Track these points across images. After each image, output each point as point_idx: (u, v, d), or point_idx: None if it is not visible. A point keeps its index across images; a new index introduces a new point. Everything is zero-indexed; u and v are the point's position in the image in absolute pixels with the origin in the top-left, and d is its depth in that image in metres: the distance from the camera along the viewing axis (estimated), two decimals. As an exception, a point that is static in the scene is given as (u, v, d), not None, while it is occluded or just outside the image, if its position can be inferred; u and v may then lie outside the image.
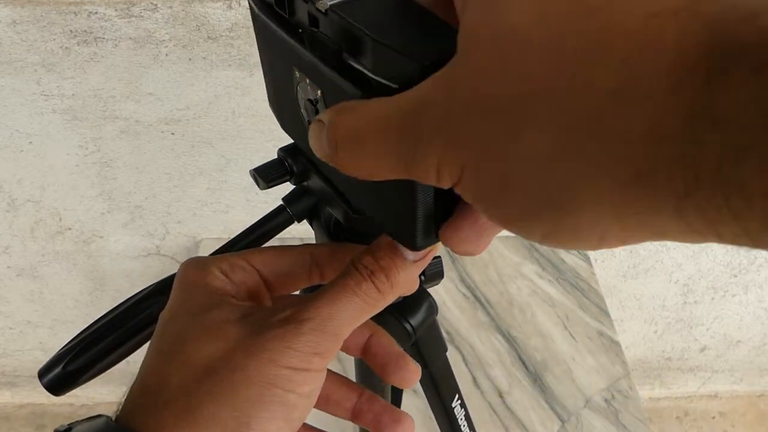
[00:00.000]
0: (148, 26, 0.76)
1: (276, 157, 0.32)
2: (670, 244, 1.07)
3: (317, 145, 0.21)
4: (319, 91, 0.24)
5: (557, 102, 0.15)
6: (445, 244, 0.23)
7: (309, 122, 0.27)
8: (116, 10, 0.74)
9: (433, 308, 0.42)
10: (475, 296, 0.95)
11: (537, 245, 1.02)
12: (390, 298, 0.26)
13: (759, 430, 1.44)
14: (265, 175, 0.32)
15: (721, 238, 0.14)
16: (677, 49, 0.13)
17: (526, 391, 0.84)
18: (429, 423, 0.79)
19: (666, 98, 0.13)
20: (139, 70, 0.80)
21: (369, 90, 0.21)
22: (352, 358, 0.49)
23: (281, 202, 0.34)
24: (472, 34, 0.17)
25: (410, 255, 0.26)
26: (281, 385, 0.23)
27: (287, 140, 0.32)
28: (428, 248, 0.26)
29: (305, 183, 0.33)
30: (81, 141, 0.88)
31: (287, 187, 0.33)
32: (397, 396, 0.52)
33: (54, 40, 0.77)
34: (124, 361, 0.32)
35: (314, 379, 0.25)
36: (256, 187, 0.33)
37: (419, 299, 0.41)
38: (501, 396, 0.83)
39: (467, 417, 0.51)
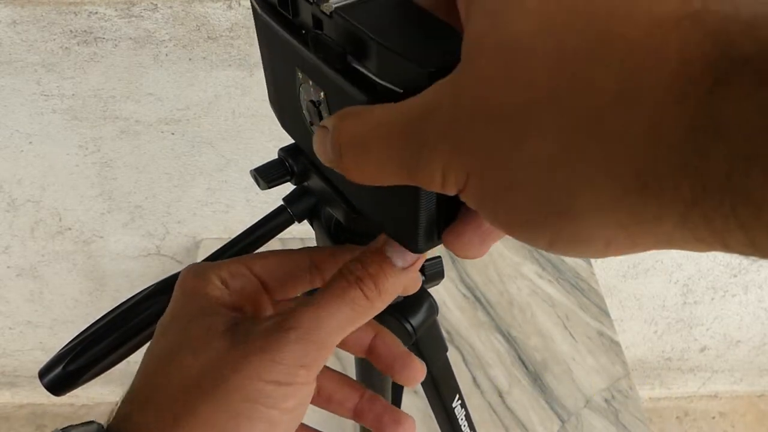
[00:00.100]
0: (148, 26, 0.76)
1: (276, 157, 0.32)
2: (670, 244, 1.07)
3: (321, 150, 0.21)
4: (322, 93, 0.24)
5: (558, 103, 0.15)
6: (447, 248, 0.23)
7: (311, 123, 0.27)
8: (116, 10, 0.74)
9: (433, 308, 0.42)
10: (475, 296, 0.95)
11: (537, 245, 1.02)
12: (379, 306, 0.25)
13: (759, 430, 1.44)
14: (266, 175, 0.32)
15: (728, 248, 0.14)
16: (680, 58, 0.13)
17: (526, 391, 0.84)
18: (429, 423, 0.79)
19: (669, 102, 0.13)
20: (139, 70, 0.80)
21: (373, 94, 0.21)
22: (353, 358, 0.49)
23: (282, 203, 0.34)
24: (476, 43, 0.17)
25: (399, 262, 0.26)
26: (264, 402, 0.23)
27: (287, 140, 0.32)
28: (418, 256, 0.26)
29: (306, 183, 0.33)
30: (81, 141, 0.88)
31: (287, 188, 0.33)
32: (397, 395, 0.52)
33: (54, 40, 0.77)
34: (124, 361, 0.32)
35: (300, 393, 0.24)
36: (256, 187, 0.33)
37: (420, 299, 0.41)
38: (501, 396, 0.83)
39: (467, 417, 0.51)
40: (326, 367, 0.30)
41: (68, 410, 1.37)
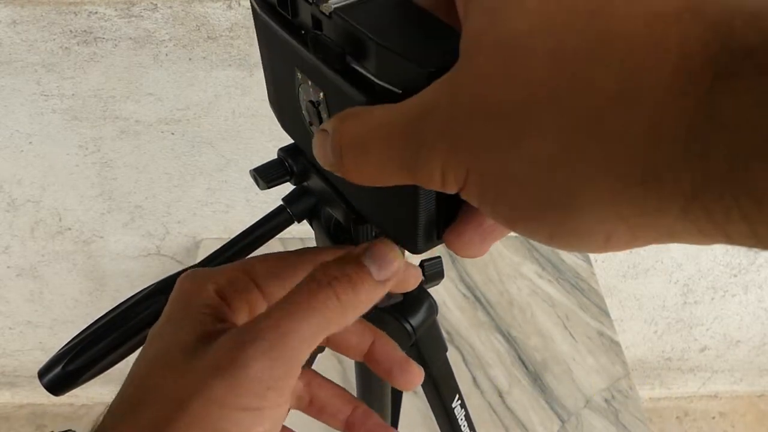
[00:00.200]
0: (148, 26, 0.76)
1: (276, 157, 0.32)
2: (670, 244, 1.07)
3: (321, 153, 0.21)
4: (321, 94, 0.24)
5: (558, 103, 0.15)
6: (448, 247, 0.23)
7: (310, 123, 0.27)
8: (116, 10, 0.74)
9: (433, 308, 0.42)
10: (475, 296, 0.95)
11: (537, 245, 1.02)
12: (352, 312, 0.23)
13: (759, 430, 1.44)
14: (265, 175, 0.32)
15: (730, 240, 0.14)
16: (680, 52, 0.13)
17: (526, 391, 0.84)
18: (429, 423, 0.79)
19: (669, 101, 0.13)
20: (139, 70, 0.80)
21: (373, 94, 0.21)
22: (353, 360, 0.49)
23: (281, 202, 0.34)
24: (474, 41, 0.17)
25: (375, 274, 0.24)
26: (229, 430, 0.21)
27: (287, 140, 0.32)
28: (394, 272, 0.24)
29: (305, 183, 0.33)
30: (81, 141, 0.88)
31: (287, 187, 0.33)
32: (396, 398, 0.52)
33: (54, 40, 0.77)
34: (124, 361, 0.32)
35: (272, 416, 0.22)
36: (256, 187, 0.33)
37: (419, 299, 0.41)
38: (501, 396, 0.83)
39: (467, 417, 0.51)
40: (321, 377, 0.30)
41: (68, 410, 1.37)
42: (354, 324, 0.26)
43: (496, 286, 0.96)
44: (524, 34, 0.15)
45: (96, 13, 0.74)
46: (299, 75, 0.26)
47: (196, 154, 0.91)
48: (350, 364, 0.51)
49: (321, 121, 0.26)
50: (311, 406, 0.30)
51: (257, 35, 0.29)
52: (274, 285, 0.27)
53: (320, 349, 0.30)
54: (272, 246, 0.32)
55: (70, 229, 1.02)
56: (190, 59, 0.79)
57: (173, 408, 0.21)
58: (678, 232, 0.15)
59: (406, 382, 0.30)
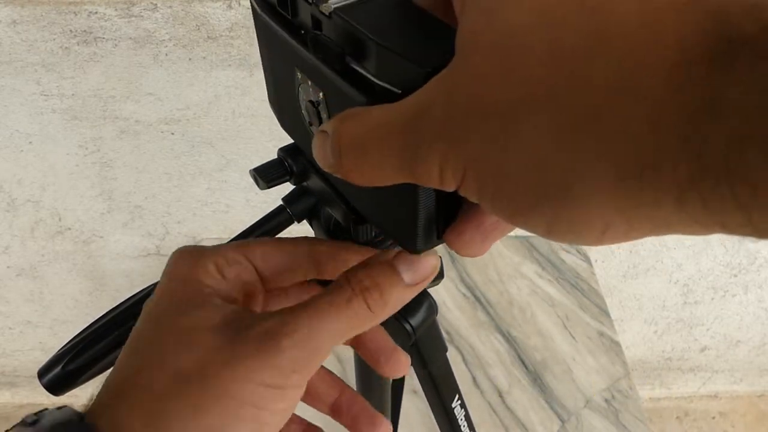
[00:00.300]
0: (148, 26, 0.76)
1: (276, 157, 0.32)
2: (670, 243, 1.07)
3: (321, 155, 0.21)
4: (321, 94, 0.24)
5: (555, 100, 0.15)
6: (449, 247, 0.23)
7: (310, 123, 0.27)
8: (116, 9, 0.74)
9: (433, 308, 0.42)
10: (475, 296, 0.95)
11: (537, 245, 1.02)
12: (381, 318, 0.25)
13: (759, 430, 1.44)
14: (265, 175, 0.32)
15: (727, 229, 0.14)
16: (678, 44, 0.13)
17: (526, 391, 0.84)
18: (429, 423, 0.79)
19: (667, 93, 0.13)
20: (138, 70, 0.80)
21: (372, 95, 0.21)
22: (352, 357, 0.49)
23: (281, 202, 0.34)
24: (471, 39, 0.17)
25: (408, 278, 0.25)
26: (255, 403, 0.23)
27: (287, 140, 0.32)
28: (427, 274, 0.25)
29: (305, 183, 0.33)
30: (81, 141, 0.88)
31: (287, 187, 0.33)
32: (397, 398, 0.52)
33: (54, 40, 0.77)
34: (124, 362, 0.32)
35: (290, 396, 0.24)
36: (256, 187, 0.33)
37: (419, 299, 0.41)
38: (501, 396, 0.83)
39: (467, 417, 0.51)
40: None
41: (68, 410, 1.37)
42: None
43: (496, 286, 0.96)
44: (521, 31, 0.16)
45: (96, 13, 0.74)
46: (299, 75, 0.26)
47: (195, 154, 0.91)
48: (350, 363, 0.51)
49: (321, 121, 0.26)
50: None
51: (257, 35, 0.29)
52: (271, 269, 0.28)
53: None
54: (272, 246, 0.32)
55: (70, 229, 1.02)
56: (190, 59, 0.79)
57: (202, 380, 0.22)
58: (674, 223, 0.15)
59: (392, 370, 0.30)
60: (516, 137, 0.16)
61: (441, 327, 0.46)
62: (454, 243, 0.23)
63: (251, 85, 0.82)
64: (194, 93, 0.83)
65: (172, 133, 0.88)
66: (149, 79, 0.81)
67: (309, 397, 0.30)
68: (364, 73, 0.21)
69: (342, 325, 0.24)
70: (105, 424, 0.23)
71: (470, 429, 0.51)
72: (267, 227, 0.34)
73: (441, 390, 0.48)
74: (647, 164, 0.14)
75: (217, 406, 0.22)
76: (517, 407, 0.82)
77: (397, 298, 0.25)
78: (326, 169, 0.22)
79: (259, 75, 0.80)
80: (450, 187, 0.18)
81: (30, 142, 0.88)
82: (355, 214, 0.28)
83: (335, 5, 0.21)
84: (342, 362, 0.83)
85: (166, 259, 0.27)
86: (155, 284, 0.32)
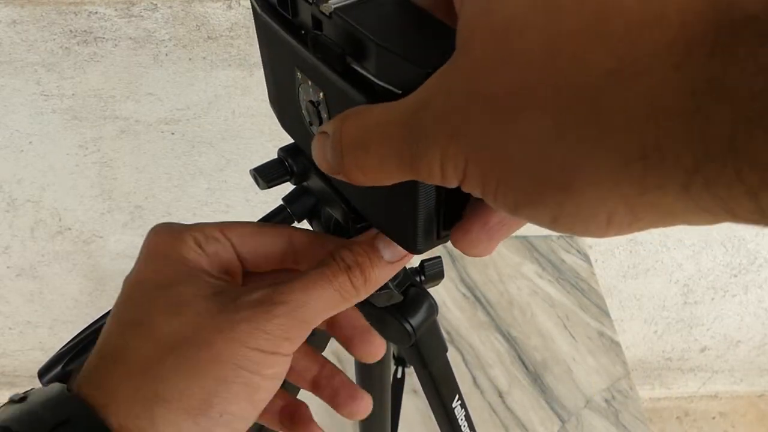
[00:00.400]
0: (148, 26, 0.76)
1: (276, 157, 0.32)
2: (670, 243, 1.07)
3: (321, 156, 0.21)
4: (321, 94, 0.24)
5: (554, 83, 0.15)
6: (456, 247, 0.23)
7: (310, 123, 0.27)
8: (116, 10, 0.74)
9: (433, 308, 0.42)
10: (475, 296, 0.95)
11: (537, 245, 1.02)
12: (363, 295, 0.26)
13: (759, 430, 1.44)
14: (265, 175, 0.32)
15: (736, 217, 0.13)
16: (679, 23, 0.13)
17: (526, 391, 0.84)
18: (429, 423, 0.79)
19: (669, 74, 0.13)
20: (138, 70, 0.80)
21: (372, 95, 0.21)
22: (352, 359, 0.49)
23: (281, 202, 0.34)
24: (469, 29, 0.17)
25: (387, 255, 0.26)
26: (248, 367, 0.23)
27: (287, 140, 0.32)
28: (405, 252, 0.27)
29: (305, 183, 0.33)
30: (81, 141, 0.88)
31: (287, 187, 0.33)
32: (397, 399, 0.52)
33: (54, 40, 0.77)
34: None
35: (281, 362, 0.25)
36: (256, 187, 0.33)
37: (419, 299, 0.41)
38: (501, 396, 0.83)
39: (467, 417, 0.51)
40: None
41: (68, 410, 1.37)
42: None
43: (496, 286, 0.96)
44: (518, 18, 0.15)
45: (96, 13, 0.74)
46: (299, 75, 0.26)
47: (196, 154, 0.91)
48: (350, 363, 0.51)
49: (321, 121, 0.26)
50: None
51: (257, 35, 0.29)
52: (250, 252, 0.28)
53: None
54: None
55: (69, 229, 1.01)
56: (190, 59, 0.79)
57: (195, 345, 0.23)
58: (679, 212, 0.14)
59: (366, 353, 0.30)
60: (516, 126, 0.16)
61: (441, 327, 0.46)
62: (460, 242, 0.23)
63: (251, 85, 0.82)
64: (194, 93, 0.83)
65: (172, 133, 0.88)
66: (149, 79, 0.81)
67: (291, 374, 0.30)
68: (365, 73, 0.21)
69: (329, 298, 0.25)
70: (94, 393, 0.23)
71: (470, 429, 0.51)
72: (267, 227, 0.34)
73: (441, 390, 0.48)
74: (649, 147, 0.13)
75: (211, 369, 0.23)
76: (517, 407, 0.82)
77: (378, 276, 0.26)
78: (326, 171, 0.21)
79: (259, 75, 0.80)
80: (452, 183, 0.18)
81: (30, 142, 0.88)
82: (355, 214, 0.28)
83: (335, 5, 0.21)
84: (342, 362, 0.83)
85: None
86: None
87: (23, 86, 0.81)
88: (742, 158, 0.12)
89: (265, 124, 0.87)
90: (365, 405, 0.30)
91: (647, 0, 0.13)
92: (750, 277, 1.14)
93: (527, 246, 1.02)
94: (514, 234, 0.19)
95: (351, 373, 0.51)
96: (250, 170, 0.32)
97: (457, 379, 0.49)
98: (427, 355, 0.44)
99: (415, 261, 0.42)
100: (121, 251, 1.05)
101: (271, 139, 0.88)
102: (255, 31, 0.29)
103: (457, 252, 1.01)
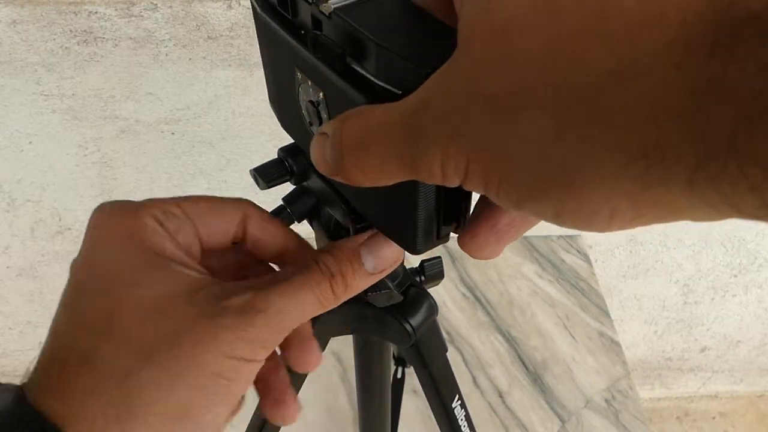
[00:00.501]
0: (148, 26, 0.76)
1: (276, 157, 0.32)
2: (670, 243, 1.07)
3: (320, 156, 0.21)
4: (321, 94, 0.24)
5: (554, 82, 0.15)
6: (463, 250, 0.23)
7: (310, 123, 0.27)
8: (116, 9, 0.74)
9: (433, 308, 0.42)
10: (475, 296, 0.95)
11: (537, 245, 1.02)
12: (340, 302, 0.26)
13: (759, 430, 1.44)
14: (265, 175, 0.32)
15: (741, 213, 0.13)
16: (680, 21, 0.13)
17: (526, 391, 0.84)
18: (429, 423, 0.79)
19: (669, 73, 0.13)
20: (138, 69, 0.80)
21: (372, 95, 0.21)
22: (353, 359, 0.49)
23: (281, 202, 0.34)
24: (469, 29, 0.17)
25: (370, 267, 0.26)
26: (225, 375, 0.23)
27: (287, 140, 0.32)
28: (388, 265, 0.27)
29: (305, 183, 0.33)
30: (81, 141, 0.88)
31: (287, 187, 0.33)
32: (397, 395, 0.52)
33: (54, 39, 0.77)
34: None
35: (255, 369, 0.24)
36: (256, 187, 0.33)
37: (419, 299, 0.41)
38: (501, 396, 0.83)
39: (467, 417, 0.51)
40: None
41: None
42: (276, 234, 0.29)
43: (496, 286, 0.96)
44: (518, 18, 0.15)
45: (96, 13, 0.74)
46: (299, 75, 0.26)
47: (196, 154, 0.91)
48: (350, 363, 0.51)
49: (321, 121, 0.26)
50: None
51: (257, 35, 0.29)
52: (207, 227, 0.27)
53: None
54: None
55: (70, 229, 1.01)
56: (190, 59, 0.79)
57: (173, 354, 0.22)
58: (683, 208, 0.14)
59: (301, 362, 0.29)
60: (516, 126, 0.16)
61: (441, 327, 0.46)
62: (467, 245, 0.23)
63: (251, 85, 0.82)
64: (194, 93, 0.83)
65: (172, 133, 0.88)
66: (149, 79, 0.81)
67: None
68: (364, 73, 0.21)
69: (309, 305, 0.25)
70: (56, 405, 0.21)
71: (470, 429, 0.51)
72: (267, 227, 0.33)
73: (441, 390, 0.48)
74: (650, 146, 0.14)
75: (189, 378, 0.22)
76: (517, 407, 0.82)
77: (358, 284, 0.26)
78: (325, 173, 0.21)
79: (259, 75, 0.80)
80: (453, 182, 0.18)
81: (30, 142, 0.88)
82: (355, 214, 0.28)
83: (335, 5, 0.21)
84: (342, 362, 0.83)
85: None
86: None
87: (23, 86, 0.81)
88: (744, 155, 0.12)
89: (265, 124, 0.87)
90: (291, 414, 0.28)
91: (647, 0, 0.13)
92: (750, 277, 1.14)
93: (527, 246, 1.02)
94: (529, 215, 0.19)
95: (351, 373, 0.51)
96: (250, 170, 0.32)
97: (457, 379, 0.49)
98: (427, 355, 0.44)
99: (415, 261, 0.42)
100: (121, 251, 1.05)
101: (271, 139, 0.88)
102: (255, 31, 0.29)
103: (457, 252, 1.02)
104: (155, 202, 0.26)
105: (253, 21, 0.29)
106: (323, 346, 0.47)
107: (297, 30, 0.25)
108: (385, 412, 0.55)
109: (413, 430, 0.79)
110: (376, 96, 0.20)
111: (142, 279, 0.23)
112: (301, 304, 0.24)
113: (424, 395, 0.50)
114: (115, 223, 0.25)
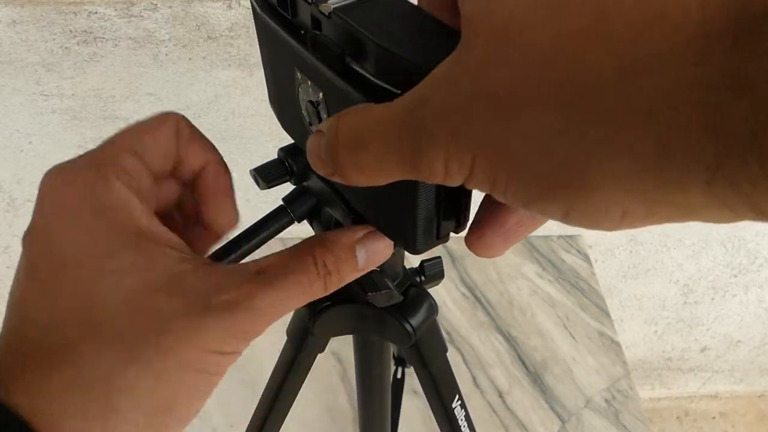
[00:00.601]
0: (148, 26, 0.76)
1: (276, 157, 0.32)
2: (670, 243, 1.07)
3: (315, 154, 0.21)
4: (320, 94, 0.24)
5: (556, 81, 0.15)
6: (470, 249, 0.23)
7: (310, 123, 0.27)
8: (116, 10, 0.74)
9: (433, 308, 0.42)
10: (475, 296, 0.95)
11: (537, 245, 1.02)
12: (328, 293, 0.26)
13: (759, 430, 1.44)
14: (265, 175, 0.32)
15: (763, 215, 0.13)
16: (701, 17, 0.13)
17: (526, 391, 0.84)
18: (429, 423, 0.79)
19: (685, 70, 0.13)
20: (138, 70, 0.80)
21: (372, 95, 0.21)
22: (353, 359, 0.49)
23: (281, 203, 0.34)
24: (470, 27, 0.17)
25: (361, 263, 0.26)
26: (209, 369, 0.22)
27: (287, 140, 0.32)
28: (379, 261, 0.27)
29: (305, 183, 0.33)
30: (81, 141, 0.88)
31: (287, 187, 0.33)
32: (397, 395, 0.52)
33: (54, 40, 0.77)
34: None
35: (234, 360, 0.24)
36: (256, 187, 0.33)
37: (419, 299, 0.41)
38: (501, 396, 0.83)
39: (467, 417, 0.51)
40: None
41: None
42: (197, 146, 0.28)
43: (496, 286, 0.96)
44: (520, 15, 0.15)
45: (96, 13, 0.74)
46: (299, 75, 0.26)
47: (196, 154, 0.91)
48: (350, 363, 0.51)
49: (320, 121, 0.26)
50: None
51: (257, 35, 0.29)
52: (150, 153, 0.25)
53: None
54: (273, 246, 0.32)
55: (70, 229, 1.02)
56: (190, 59, 0.79)
57: (158, 350, 0.21)
58: (699, 208, 0.14)
59: (220, 221, 0.28)
60: (519, 121, 0.16)
61: (441, 327, 0.46)
62: (474, 245, 0.23)
63: (251, 85, 0.82)
64: (194, 93, 0.83)
65: (172, 133, 0.88)
66: (149, 79, 0.81)
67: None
68: (364, 73, 0.21)
69: (297, 300, 0.24)
70: (30, 403, 0.19)
71: (470, 429, 0.51)
72: (268, 227, 0.34)
73: (441, 390, 0.48)
74: (663, 142, 0.13)
75: (175, 376, 0.21)
76: (517, 407, 0.82)
77: (349, 279, 0.26)
78: (319, 171, 0.21)
79: (259, 75, 0.80)
80: (455, 181, 0.18)
81: (30, 142, 0.88)
82: (355, 214, 0.28)
83: (335, 5, 0.21)
84: (342, 362, 0.83)
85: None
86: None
87: (23, 86, 0.81)
88: (764, 154, 0.12)
89: (265, 124, 0.87)
90: (229, 221, 0.28)
91: (647, 0, 0.13)
92: (750, 277, 1.14)
93: (527, 246, 1.02)
94: (538, 214, 0.19)
95: (351, 373, 0.51)
96: (250, 170, 0.32)
97: (457, 379, 0.49)
98: (427, 355, 0.44)
99: (415, 261, 0.42)
100: (121, 251, 1.05)
101: (271, 139, 0.88)
102: (255, 31, 0.29)
103: (457, 252, 1.02)
104: (106, 155, 0.24)
105: (253, 21, 0.29)
106: (323, 346, 0.47)
107: (297, 30, 0.25)
108: (385, 412, 0.55)
109: (413, 430, 0.79)
110: (375, 96, 0.20)
111: (122, 265, 0.21)
112: (290, 299, 0.24)
113: (424, 395, 0.50)
114: (79, 191, 0.23)
